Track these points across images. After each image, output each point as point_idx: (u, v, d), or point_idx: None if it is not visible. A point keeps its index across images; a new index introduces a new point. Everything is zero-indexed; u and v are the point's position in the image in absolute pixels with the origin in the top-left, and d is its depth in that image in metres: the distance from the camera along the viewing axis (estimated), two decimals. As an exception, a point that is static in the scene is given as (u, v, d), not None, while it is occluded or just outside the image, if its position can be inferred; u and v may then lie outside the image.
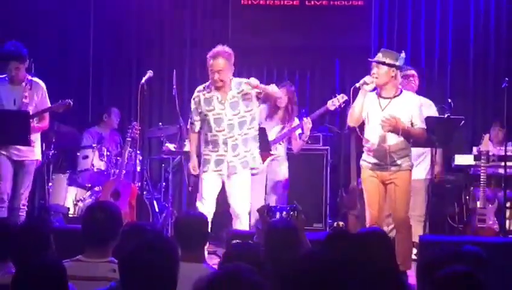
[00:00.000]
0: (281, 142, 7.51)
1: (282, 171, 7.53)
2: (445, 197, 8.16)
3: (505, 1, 8.93)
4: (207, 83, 6.44)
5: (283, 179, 7.52)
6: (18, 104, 6.70)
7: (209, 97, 6.37)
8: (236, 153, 6.34)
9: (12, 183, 6.72)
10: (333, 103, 7.44)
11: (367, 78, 6.08)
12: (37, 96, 6.78)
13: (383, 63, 6.07)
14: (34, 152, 6.74)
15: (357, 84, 6.12)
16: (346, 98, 7.40)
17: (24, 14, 9.32)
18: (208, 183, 6.35)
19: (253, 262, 3.11)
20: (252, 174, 6.47)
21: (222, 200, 6.25)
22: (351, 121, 6.21)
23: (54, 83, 9.08)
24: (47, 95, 6.88)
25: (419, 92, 7.30)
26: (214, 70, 6.28)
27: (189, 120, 6.58)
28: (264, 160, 7.33)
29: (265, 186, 7.39)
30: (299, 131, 7.48)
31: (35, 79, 6.85)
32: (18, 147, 6.64)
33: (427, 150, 7.19)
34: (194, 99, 6.46)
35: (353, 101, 6.24)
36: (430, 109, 7.24)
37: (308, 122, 7.39)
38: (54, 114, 7.08)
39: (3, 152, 6.61)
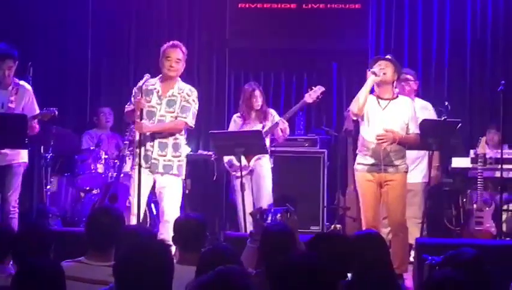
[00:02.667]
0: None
1: (265, 171, 7.53)
2: (443, 199, 8.18)
3: (502, 5, 8.95)
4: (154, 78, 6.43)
5: (268, 180, 7.53)
6: (5, 108, 6.62)
7: (151, 89, 6.38)
8: (164, 153, 6.31)
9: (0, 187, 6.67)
10: (310, 96, 7.47)
11: (377, 69, 6.13)
12: (24, 100, 6.70)
13: (392, 62, 6.18)
14: (20, 155, 6.66)
15: (371, 70, 6.15)
16: (323, 89, 7.47)
17: (23, 16, 9.35)
18: (135, 180, 6.18)
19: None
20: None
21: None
22: (355, 107, 6.16)
23: (52, 85, 9.17)
24: (34, 99, 6.82)
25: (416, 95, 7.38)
26: (173, 59, 6.34)
27: (128, 103, 6.52)
28: (248, 161, 7.37)
29: (252, 188, 7.39)
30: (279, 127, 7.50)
31: (23, 83, 6.77)
32: (4, 151, 6.56)
33: (424, 153, 7.21)
34: (137, 87, 6.41)
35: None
36: (425, 111, 7.28)
37: (284, 123, 7.46)
38: (52, 118, 7.03)
39: None
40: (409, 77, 7.34)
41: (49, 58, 9.35)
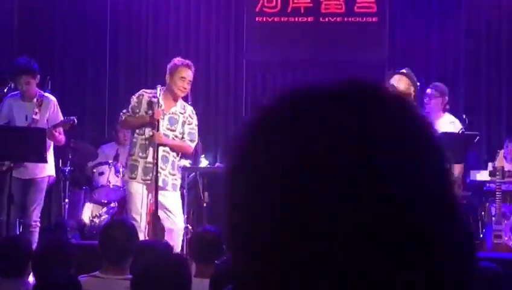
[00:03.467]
0: None
1: None
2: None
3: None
4: (154, 90, 6.40)
5: None
6: (29, 120, 6.69)
7: (153, 102, 6.31)
8: (164, 166, 6.28)
9: (22, 201, 6.68)
10: None
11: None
12: (49, 111, 6.77)
13: (406, 75, 6.19)
14: (45, 168, 6.70)
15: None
16: None
17: (42, 30, 9.45)
18: (137, 195, 6.26)
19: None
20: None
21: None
22: None
23: (70, 98, 9.23)
24: (59, 110, 6.88)
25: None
26: (187, 80, 6.30)
27: (123, 112, 6.48)
28: None
29: None
30: None
31: (47, 94, 6.85)
32: (27, 165, 6.59)
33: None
34: (137, 97, 6.42)
35: None
36: (451, 125, 7.24)
37: None
38: (70, 130, 7.08)
39: (13, 173, 6.50)
40: (428, 91, 7.32)
41: (67, 72, 9.44)
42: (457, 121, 7.48)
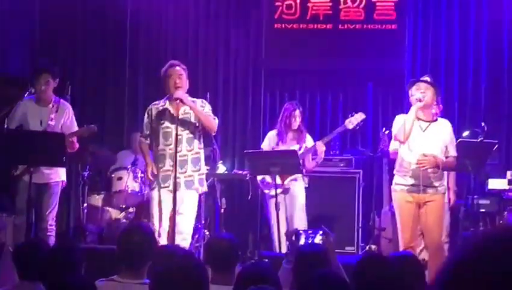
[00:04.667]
0: None
1: (299, 191, 7.58)
2: (479, 221, 8.10)
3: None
4: (161, 100, 6.46)
5: (301, 200, 7.57)
6: (44, 125, 6.71)
7: (163, 110, 6.37)
8: (184, 170, 6.27)
9: (37, 205, 6.72)
10: (351, 122, 7.48)
11: (419, 94, 6.09)
12: (64, 118, 6.80)
13: (433, 85, 6.15)
14: (58, 173, 6.73)
15: (416, 97, 6.09)
16: (364, 116, 7.48)
17: (62, 35, 9.53)
18: (157, 201, 6.28)
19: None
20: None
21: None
22: (402, 135, 6.11)
23: (90, 103, 9.30)
24: (74, 117, 6.91)
25: (452, 116, 7.33)
26: (175, 75, 6.31)
27: (140, 134, 6.57)
28: (282, 180, 7.41)
29: (286, 208, 7.47)
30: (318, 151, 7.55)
31: (63, 101, 6.87)
32: (42, 170, 6.62)
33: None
34: (147, 112, 6.46)
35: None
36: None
37: (321, 146, 7.47)
38: (91, 134, 7.10)
39: (25, 178, 6.51)
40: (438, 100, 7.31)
41: (86, 79, 9.52)
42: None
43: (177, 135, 6.14)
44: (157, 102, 6.49)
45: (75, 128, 6.84)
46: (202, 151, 6.49)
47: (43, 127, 6.70)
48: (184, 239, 6.23)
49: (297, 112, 7.71)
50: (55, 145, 6.30)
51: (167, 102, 6.39)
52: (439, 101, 7.33)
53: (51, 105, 6.76)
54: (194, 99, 6.44)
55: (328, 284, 2.71)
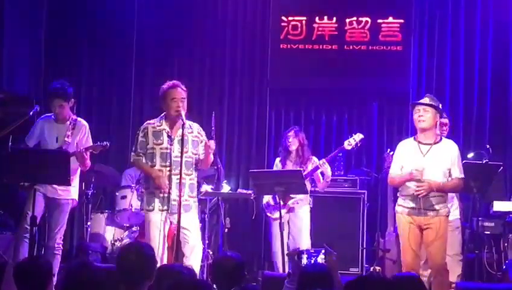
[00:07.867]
0: None
1: (304, 213, 7.57)
2: (483, 244, 8.07)
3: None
4: (156, 119, 6.44)
5: (306, 220, 7.56)
6: (60, 142, 6.76)
7: (160, 130, 6.36)
8: (181, 193, 6.19)
9: (46, 222, 6.75)
10: (349, 143, 7.48)
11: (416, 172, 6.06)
12: (79, 135, 6.84)
13: (432, 106, 6.10)
14: (70, 191, 6.75)
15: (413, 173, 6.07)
16: (362, 136, 7.48)
17: (67, 55, 9.57)
18: (156, 223, 6.27)
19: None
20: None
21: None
22: (392, 184, 6.37)
23: (95, 122, 9.31)
24: (90, 135, 6.95)
25: (457, 136, 7.31)
26: (178, 99, 6.30)
27: (134, 151, 6.48)
28: (286, 201, 7.40)
29: (289, 228, 7.47)
30: (320, 169, 7.54)
31: (80, 119, 6.94)
32: (54, 185, 6.68)
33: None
34: (142, 131, 6.42)
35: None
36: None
37: (324, 163, 7.47)
38: (94, 154, 7.13)
39: (39, 189, 6.56)
40: (447, 121, 7.29)
41: (92, 96, 9.55)
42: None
43: (181, 156, 6.14)
44: (152, 121, 6.46)
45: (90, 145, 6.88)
46: (196, 179, 6.48)
47: (59, 144, 6.76)
48: (198, 253, 6.30)
49: (290, 133, 7.75)
50: (59, 164, 6.30)
51: (163, 122, 6.39)
52: (445, 116, 7.32)
53: (68, 122, 6.83)
54: (191, 123, 6.43)
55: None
